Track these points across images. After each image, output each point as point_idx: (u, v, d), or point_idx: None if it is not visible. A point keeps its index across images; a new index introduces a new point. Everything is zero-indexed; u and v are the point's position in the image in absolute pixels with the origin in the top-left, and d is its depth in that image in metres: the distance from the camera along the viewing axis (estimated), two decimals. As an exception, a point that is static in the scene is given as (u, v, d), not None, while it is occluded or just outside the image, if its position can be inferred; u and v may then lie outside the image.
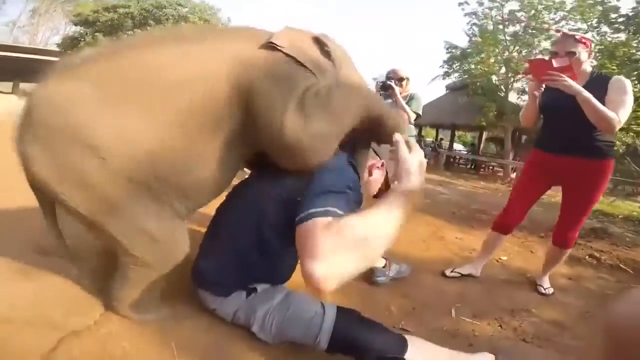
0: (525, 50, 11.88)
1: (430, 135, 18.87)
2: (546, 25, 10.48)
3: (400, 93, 2.64)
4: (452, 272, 2.10)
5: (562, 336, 1.63)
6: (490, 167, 13.95)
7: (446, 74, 14.21)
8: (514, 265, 2.51)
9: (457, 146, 19.32)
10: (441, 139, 17.01)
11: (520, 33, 11.48)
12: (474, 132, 18.11)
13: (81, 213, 0.91)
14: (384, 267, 1.89)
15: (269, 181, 1.12)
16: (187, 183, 0.99)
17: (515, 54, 11.84)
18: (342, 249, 0.74)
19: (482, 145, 16.63)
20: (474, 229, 3.42)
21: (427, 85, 21.15)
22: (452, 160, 13.69)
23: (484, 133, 15.50)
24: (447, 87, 15.68)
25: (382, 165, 1.30)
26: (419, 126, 15.62)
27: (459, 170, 13.06)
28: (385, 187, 1.35)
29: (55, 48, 12.37)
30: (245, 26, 1.15)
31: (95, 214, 0.92)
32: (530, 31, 11.21)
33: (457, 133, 18.71)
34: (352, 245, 0.75)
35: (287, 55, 0.98)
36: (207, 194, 1.10)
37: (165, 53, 0.95)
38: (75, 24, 12.15)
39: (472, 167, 14.25)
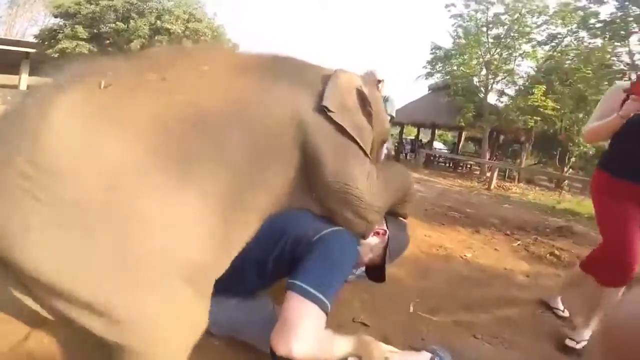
0: (506, 53, 12.27)
1: (411, 133, 19.20)
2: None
3: None
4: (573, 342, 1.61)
5: (511, 333, 1.71)
6: (468, 166, 14.32)
7: (429, 74, 14.58)
8: (477, 262, 2.61)
9: (438, 145, 19.71)
10: (420, 140, 17.37)
11: (502, 36, 11.81)
12: (455, 132, 18.58)
13: None
14: None
15: (298, 217, 1.07)
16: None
17: (496, 56, 12.19)
18: (313, 346, 0.88)
19: (461, 145, 17.10)
20: (444, 227, 3.55)
21: (411, 84, 21.52)
22: (432, 158, 13.95)
23: (463, 133, 15.94)
24: (430, 87, 15.98)
25: (385, 233, 1.25)
26: (401, 124, 15.83)
27: (438, 168, 13.33)
28: (379, 261, 1.31)
29: (32, 40, 11.87)
30: (287, 62, 1.09)
31: None
32: (512, 34, 11.55)
33: (438, 132, 19.17)
34: (319, 349, 0.90)
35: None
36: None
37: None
38: (55, 16, 11.65)
39: (451, 165, 14.59)
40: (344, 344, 1.00)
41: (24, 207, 0.60)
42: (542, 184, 11.96)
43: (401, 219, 1.42)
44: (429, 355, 1.27)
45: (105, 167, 0.65)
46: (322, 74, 1.07)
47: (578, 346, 1.56)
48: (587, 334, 1.59)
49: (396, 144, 14.28)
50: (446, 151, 17.89)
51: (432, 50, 13.90)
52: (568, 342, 1.57)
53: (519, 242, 3.25)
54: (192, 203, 0.73)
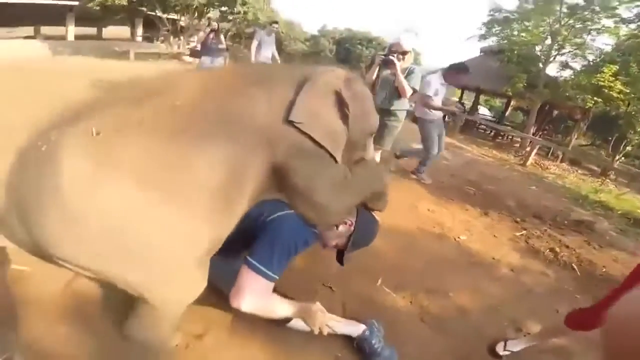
0: (579, 25, 10.65)
1: (456, 95, 17.88)
2: None
3: (401, 66, 2.61)
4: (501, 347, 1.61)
5: (456, 323, 1.75)
6: (510, 137, 13.28)
7: (483, 37, 13.21)
8: (468, 247, 2.61)
9: (483, 110, 18.24)
10: (462, 103, 16.13)
11: (579, 7, 10.22)
12: (503, 99, 17.12)
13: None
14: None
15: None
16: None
17: (567, 27, 10.66)
18: (257, 306, 1.17)
19: (508, 113, 15.78)
20: (452, 203, 3.42)
21: (460, 44, 19.69)
22: (471, 124, 12.96)
23: (512, 101, 14.66)
24: (482, 50, 14.60)
25: (351, 225, 1.36)
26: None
27: (476, 135, 12.38)
28: (342, 247, 1.41)
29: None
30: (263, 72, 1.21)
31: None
32: (592, 7, 9.94)
33: (485, 97, 17.79)
34: (262, 308, 1.18)
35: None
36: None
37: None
38: None
39: (490, 133, 13.60)
40: (289, 307, 1.23)
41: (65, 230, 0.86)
42: (588, 167, 10.95)
43: (372, 213, 1.51)
44: (363, 326, 1.42)
45: (109, 201, 0.86)
46: (297, 80, 1.10)
47: (502, 353, 1.56)
48: (521, 346, 1.57)
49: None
50: (490, 118, 16.62)
51: (490, 11, 12.51)
52: (498, 347, 1.57)
53: (523, 232, 3.11)
54: (181, 210, 0.94)
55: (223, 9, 11.78)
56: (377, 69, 2.65)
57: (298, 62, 21.84)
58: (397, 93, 2.70)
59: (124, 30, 15.56)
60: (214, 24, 5.64)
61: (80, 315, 1.28)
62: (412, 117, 3.64)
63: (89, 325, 1.25)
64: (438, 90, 3.37)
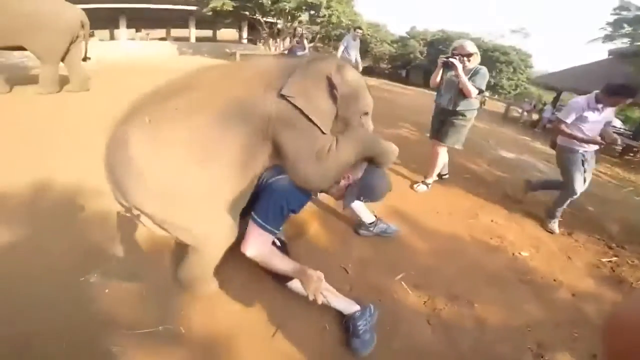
0: None
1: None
2: None
3: (465, 68, 2.57)
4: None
5: (468, 333, 1.57)
6: (643, 155, 10.49)
7: (608, 38, 10.90)
8: (526, 264, 2.22)
9: (616, 122, 14.77)
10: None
11: None
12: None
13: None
14: (371, 223, 2.13)
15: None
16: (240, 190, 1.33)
17: None
18: (262, 253, 1.38)
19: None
20: (527, 218, 2.81)
21: (581, 46, 16.59)
22: None
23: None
24: (611, 53, 12.05)
25: (348, 179, 1.46)
26: (556, 90, 12.87)
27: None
28: (339, 197, 1.53)
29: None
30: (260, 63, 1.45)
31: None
32: None
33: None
34: (262, 256, 1.38)
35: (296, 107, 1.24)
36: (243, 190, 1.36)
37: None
38: None
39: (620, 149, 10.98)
40: (288, 265, 1.38)
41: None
42: None
43: (380, 168, 1.53)
44: (357, 307, 1.40)
45: (159, 163, 1.17)
46: (291, 69, 1.30)
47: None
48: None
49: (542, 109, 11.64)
50: (624, 130, 13.40)
51: (615, 10, 10.29)
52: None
53: (613, 259, 2.49)
54: (215, 172, 1.22)
55: (312, 12, 12.36)
56: (441, 71, 2.71)
57: (385, 64, 21.72)
58: (462, 94, 2.62)
59: (233, 33, 17.77)
60: (299, 30, 6.11)
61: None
62: (551, 143, 2.92)
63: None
64: (587, 118, 2.50)
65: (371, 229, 2.14)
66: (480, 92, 2.60)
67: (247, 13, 12.19)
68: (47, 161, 2.60)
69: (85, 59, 4.90)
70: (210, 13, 11.63)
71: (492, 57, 16.82)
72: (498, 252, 2.29)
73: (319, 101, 1.29)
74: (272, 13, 12.05)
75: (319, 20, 12.48)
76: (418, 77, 18.42)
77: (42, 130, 3.24)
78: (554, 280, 2.09)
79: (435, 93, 2.88)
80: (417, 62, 19.31)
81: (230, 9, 11.29)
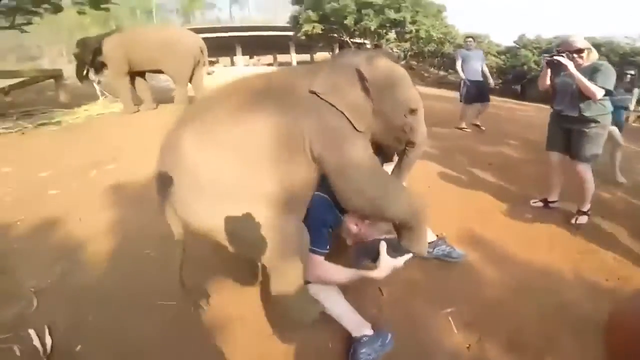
0: None
1: None
2: None
3: (580, 65, 2.11)
4: None
5: None
6: None
7: None
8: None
9: None
10: None
11: None
12: None
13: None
14: (430, 242, 1.78)
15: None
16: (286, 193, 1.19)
17: None
18: (319, 276, 1.27)
19: None
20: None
21: None
22: None
23: None
24: None
25: (358, 230, 1.41)
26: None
27: None
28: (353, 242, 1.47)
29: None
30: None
31: None
32: None
33: None
34: (324, 278, 1.28)
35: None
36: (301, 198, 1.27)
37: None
38: (292, 4, 13.75)
39: None
40: (347, 274, 1.28)
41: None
42: None
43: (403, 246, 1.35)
44: (370, 331, 1.27)
45: (207, 158, 1.13)
46: (319, 65, 1.33)
47: None
48: None
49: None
50: None
51: None
52: None
53: None
54: (249, 164, 1.13)
55: (398, 29, 12.13)
56: (548, 71, 2.31)
57: (494, 78, 19.17)
58: (583, 96, 2.11)
59: (328, 56, 18.88)
60: (381, 44, 5.89)
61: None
62: None
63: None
64: None
65: (430, 249, 1.77)
66: (608, 93, 2.05)
67: (335, 35, 12.77)
68: None
69: (208, 72, 5.73)
70: (303, 37, 12.63)
71: (633, 63, 13.52)
72: (611, 295, 1.65)
73: (349, 95, 1.20)
74: (357, 33, 12.35)
75: (407, 36, 12.20)
76: (536, 91, 15.47)
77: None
78: None
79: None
80: (532, 74, 16.64)
81: (320, 32, 12.04)
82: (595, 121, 2.14)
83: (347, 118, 1.17)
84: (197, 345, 1.33)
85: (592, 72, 2.07)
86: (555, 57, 2.13)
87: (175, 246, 1.28)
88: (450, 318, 1.47)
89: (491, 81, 4.83)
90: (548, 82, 2.33)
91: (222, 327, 1.41)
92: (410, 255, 1.32)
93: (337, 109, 1.17)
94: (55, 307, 1.52)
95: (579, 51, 2.13)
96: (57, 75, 6.31)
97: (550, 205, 2.47)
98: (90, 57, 5.11)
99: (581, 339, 1.39)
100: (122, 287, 1.62)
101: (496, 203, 2.55)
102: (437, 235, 1.85)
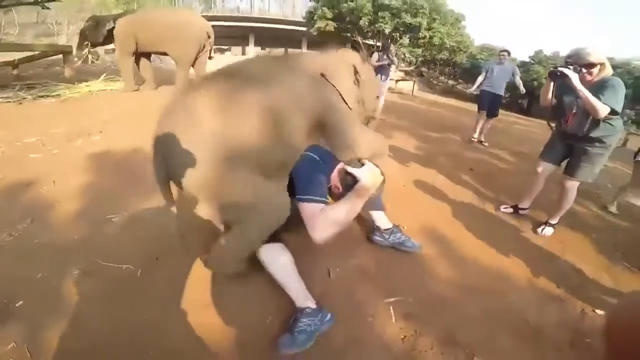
0: None
1: None
2: None
3: (590, 81, 1.97)
4: None
5: None
6: None
7: None
8: (596, 327, 1.51)
9: None
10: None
11: None
12: None
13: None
14: (387, 229, 1.84)
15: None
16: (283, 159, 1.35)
17: None
18: (326, 224, 1.29)
19: None
20: (624, 275, 1.95)
21: None
22: None
23: None
24: None
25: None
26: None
27: None
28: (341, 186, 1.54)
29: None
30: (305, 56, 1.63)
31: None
32: None
33: None
34: (330, 222, 1.30)
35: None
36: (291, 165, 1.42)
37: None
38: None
39: None
40: (347, 205, 1.33)
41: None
42: None
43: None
44: (313, 305, 1.30)
45: (233, 136, 1.19)
46: (331, 56, 1.62)
47: None
48: None
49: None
50: None
51: None
52: None
53: None
54: (274, 144, 1.25)
55: (412, 34, 12.03)
56: (551, 86, 2.14)
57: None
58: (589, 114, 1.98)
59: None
60: (389, 45, 5.76)
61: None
62: None
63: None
64: None
65: (386, 236, 1.81)
66: (614, 112, 1.89)
67: (348, 35, 12.73)
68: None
69: (210, 57, 5.68)
70: (315, 33, 12.61)
71: (650, 84, 13.28)
72: (559, 303, 1.65)
73: (346, 82, 1.55)
74: (370, 35, 12.29)
75: (420, 42, 12.11)
76: (542, 108, 15.35)
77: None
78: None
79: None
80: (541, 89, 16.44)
81: (332, 29, 12.02)
82: (601, 141, 2.02)
83: (342, 97, 1.49)
84: (134, 312, 1.34)
85: (599, 88, 1.91)
86: (559, 69, 1.97)
87: (171, 215, 1.43)
88: (391, 308, 1.47)
89: (522, 89, 4.76)
90: (550, 96, 2.15)
91: (161, 297, 1.43)
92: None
93: (337, 89, 1.47)
94: (9, 262, 1.55)
95: (590, 65, 1.95)
96: (66, 52, 6.41)
97: (520, 212, 2.46)
98: (97, 35, 5.19)
99: (516, 343, 1.39)
100: (78, 248, 1.66)
101: (467, 205, 2.55)
102: (394, 224, 1.85)
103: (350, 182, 1.42)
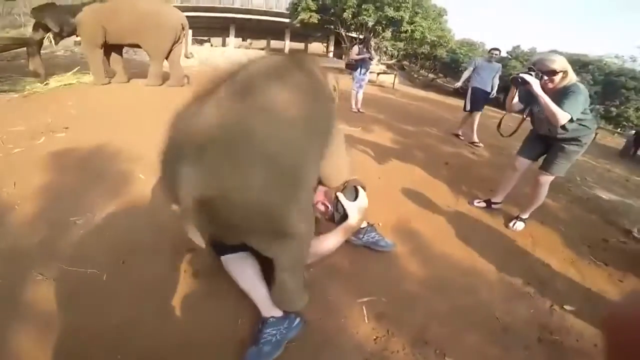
0: None
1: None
2: None
3: (553, 88, 1.98)
4: None
5: None
6: None
7: None
8: (566, 323, 1.56)
9: None
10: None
11: None
12: None
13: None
14: (361, 229, 1.80)
15: None
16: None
17: None
18: (312, 255, 1.30)
19: None
20: (589, 269, 2.02)
21: None
22: None
23: None
24: None
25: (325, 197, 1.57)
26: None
27: None
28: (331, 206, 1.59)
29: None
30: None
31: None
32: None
33: None
34: (314, 254, 1.32)
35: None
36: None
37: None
38: None
39: None
40: (331, 241, 1.42)
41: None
42: None
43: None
44: (278, 312, 1.27)
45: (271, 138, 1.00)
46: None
47: None
48: None
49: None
50: None
51: None
52: None
53: None
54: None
55: (394, 28, 12.03)
56: (514, 92, 2.17)
57: None
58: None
59: (323, 47, 18.65)
60: (370, 38, 5.68)
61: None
62: None
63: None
64: None
65: (360, 235, 1.79)
66: (572, 121, 1.94)
67: (332, 27, 12.64)
68: (121, 130, 3.08)
69: (187, 55, 5.45)
70: (298, 25, 12.43)
71: (617, 82, 13.83)
72: (528, 300, 1.69)
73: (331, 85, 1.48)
74: (353, 27, 12.24)
75: (402, 36, 12.15)
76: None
77: (129, 111, 3.84)
78: (595, 345, 1.47)
79: None
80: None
81: (316, 21, 11.88)
82: (578, 140, 2.09)
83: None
84: (101, 317, 1.29)
85: (562, 95, 1.94)
86: (520, 75, 1.97)
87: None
88: (364, 308, 1.48)
89: (494, 92, 4.62)
90: (515, 101, 2.19)
91: (128, 300, 1.38)
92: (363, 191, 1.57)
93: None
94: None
95: (552, 72, 1.96)
96: (30, 44, 6.05)
97: (493, 206, 2.52)
98: (58, 24, 4.79)
99: (485, 339, 1.42)
100: (40, 253, 1.58)
101: (440, 200, 2.58)
102: (368, 223, 1.85)
103: (340, 211, 1.52)
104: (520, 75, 1.97)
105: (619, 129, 13.11)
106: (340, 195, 1.53)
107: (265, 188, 0.94)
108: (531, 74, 1.96)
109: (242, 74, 1.05)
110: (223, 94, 0.99)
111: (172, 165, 0.96)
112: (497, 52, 4.59)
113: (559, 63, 1.97)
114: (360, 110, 5.51)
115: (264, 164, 0.93)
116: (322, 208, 1.57)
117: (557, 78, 1.97)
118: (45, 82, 4.88)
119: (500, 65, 4.68)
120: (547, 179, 2.19)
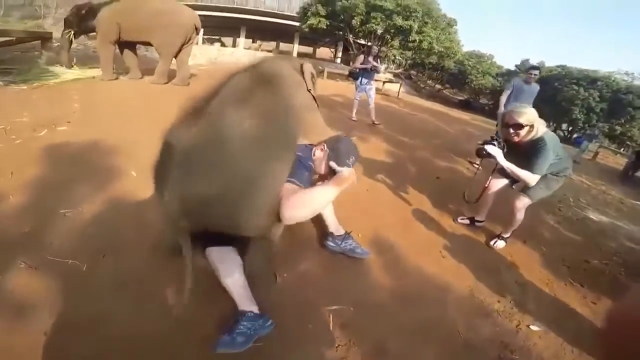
0: None
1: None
2: None
3: (519, 141, 2.02)
4: None
5: None
6: None
7: None
8: (529, 341, 1.59)
9: None
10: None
11: None
12: None
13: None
14: (339, 235, 1.90)
15: None
16: None
17: None
18: (299, 202, 1.29)
19: None
20: (566, 290, 2.03)
21: None
22: None
23: None
24: None
25: (323, 147, 1.56)
26: None
27: None
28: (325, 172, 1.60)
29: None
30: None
31: None
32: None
33: None
34: (304, 202, 1.30)
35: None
36: None
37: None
38: None
39: None
40: (322, 191, 1.39)
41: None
42: None
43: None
44: (256, 309, 1.34)
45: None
46: (299, 66, 1.84)
47: None
48: None
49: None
50: None
51: None
52: None
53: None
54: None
55: (403, 37, 12.11)
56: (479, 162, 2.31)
57: (487, 99, 19.31)
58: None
59: (331, 52, 18.78)
60: (375, 49, 5.62)
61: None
62: None
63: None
64: None
65: (339, 242, 1.86)
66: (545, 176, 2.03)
67: (340, 33, 12.75)
68: (119, 126, 3.17)
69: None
70: (307, 30, 12.57)
71: (623, 100, 13.71)
72: (495, 318, 1.72)
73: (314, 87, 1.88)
74: (361, 35, 12.34)
75: (410, 45, 12.21)
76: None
77: (130, 108, 3.93)
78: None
79: None
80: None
81: (325, 27, 12.01)
82: (558, 174, 2.17)
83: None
84: (78, 306, 1.36)
85: (530, 149, 2.00)
86: (485, 147, 2.02)
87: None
88: (331, 316, 1.52)
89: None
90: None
91: (105, 291, 1.45)
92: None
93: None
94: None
95: (518, 126, 1.98)
96: (45, 38, 6.24)
97: (477, 224, 2.55)
98: (85, 23, 5.04)
99: (445, 354, 1.46)
100: (26, 242, 1.65)
101: (425, 215, 2.62)
102: (346, 231, 1.91)
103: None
104: (485, 147, 2.03)
105: (622, 149, 12.96)
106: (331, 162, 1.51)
107: (223, 190, 1.19)
108: (494, 144, 2.03)
109: (217, 98, 1.27)
110: (199, 115, 1.22)
111: (161, 173, 1.26)
112: (536, 73, 4.14)
113: (527, 117, 1.98)
114: (376, 122, 5.32)
115: (221, 173, 1.19)
116: (319, 153, 1.55)
117: (522, 132, 2.00)
118: (52, 77, 5.02)
119: (538, 86, 4.18)
120: (524, 202, 2.19)
